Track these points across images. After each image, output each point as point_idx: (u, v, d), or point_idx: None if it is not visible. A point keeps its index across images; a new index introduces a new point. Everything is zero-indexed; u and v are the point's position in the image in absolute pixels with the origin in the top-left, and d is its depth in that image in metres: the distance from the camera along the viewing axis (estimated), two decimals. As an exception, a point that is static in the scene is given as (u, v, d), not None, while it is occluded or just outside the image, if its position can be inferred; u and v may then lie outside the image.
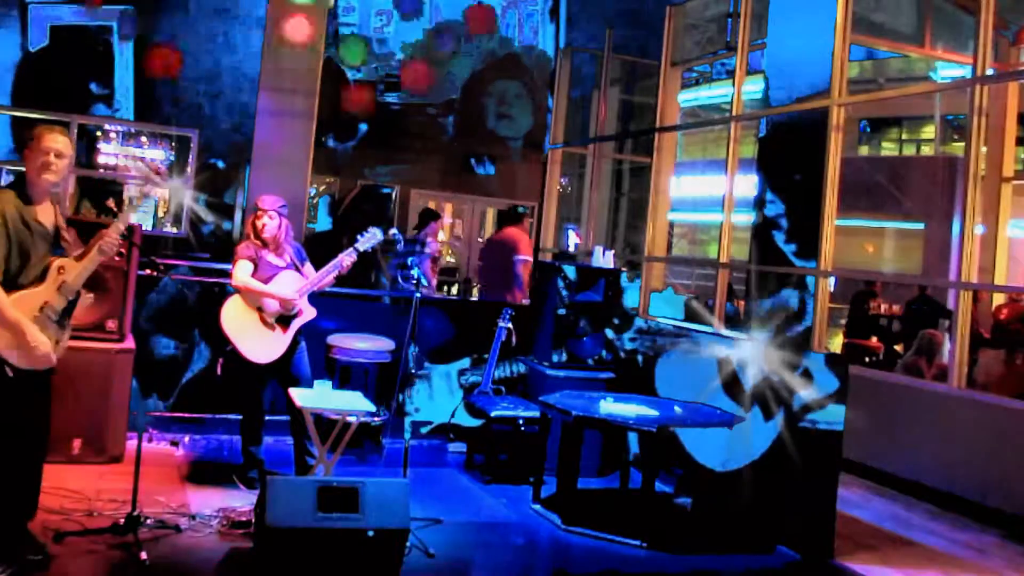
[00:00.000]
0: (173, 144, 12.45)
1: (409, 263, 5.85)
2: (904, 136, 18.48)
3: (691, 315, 9.53)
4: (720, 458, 5.76)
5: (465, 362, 7.19)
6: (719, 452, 5.76)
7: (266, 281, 5.34)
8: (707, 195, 16.30)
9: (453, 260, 15.12)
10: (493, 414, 6.15)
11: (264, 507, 4.02)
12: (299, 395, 5.03)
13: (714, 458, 5.81)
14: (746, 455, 5.56)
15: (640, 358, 6.60)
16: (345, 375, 6.32)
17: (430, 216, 9.64)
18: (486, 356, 6.81)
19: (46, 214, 3.93)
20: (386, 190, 13.91)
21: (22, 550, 3.89)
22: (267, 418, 5.51)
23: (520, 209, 10.01)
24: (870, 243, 16.17)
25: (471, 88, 13.88)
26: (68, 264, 3.89)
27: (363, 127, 13.58)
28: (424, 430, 6.99)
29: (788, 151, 8.10)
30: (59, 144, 3.88)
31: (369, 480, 4.23)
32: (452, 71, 13.78)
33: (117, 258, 5.65)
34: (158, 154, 12.49)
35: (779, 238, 8.08)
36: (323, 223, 13.52)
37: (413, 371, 5.26)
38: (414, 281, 5.42)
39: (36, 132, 3.91)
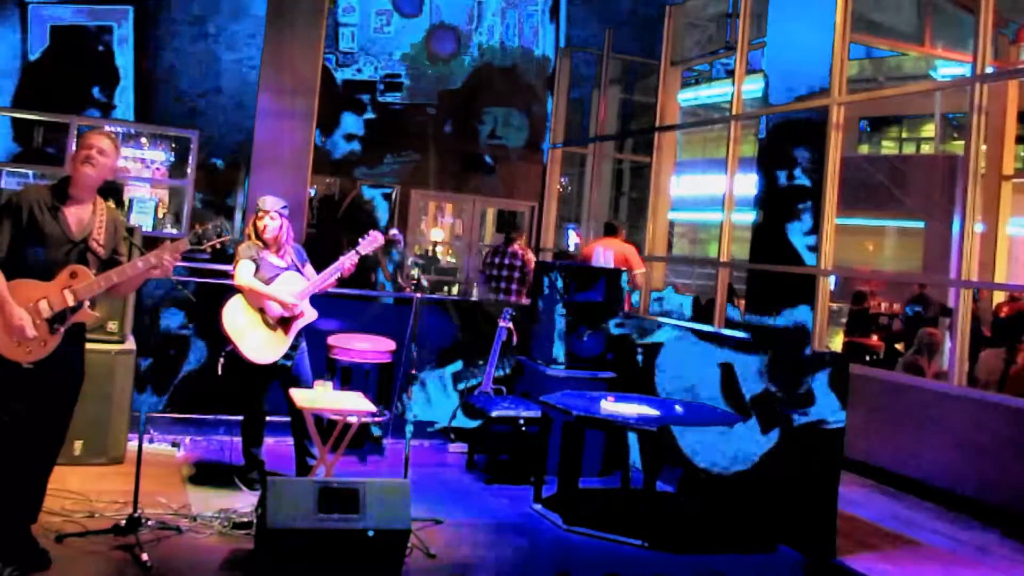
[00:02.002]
0: (173, 145, 12.45)
1: (410, 264, 5.84)
2: (904, 135, 18.49)
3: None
4: (716, 460, 5.76)
5: (458, 365, 7.20)
6: (715, 454, 5.76)
7: (267, 282, 5.34)
8: (707, 194, 16.32)
9: (453, 260, 15.12)
10: (493, 414, 6.15)
11: (265, 508, 4.02)
12: (299, 396, 5.03)
13: (710, 460, 5.81)
14: (744, 458, 5.56)
15: (640, 358, 6.60)
16: (346, 376, 6.32)
17: (512, 229, 9.28)
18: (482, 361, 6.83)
19: (78, 215, 3.93)
20: (386, 190, 13.91)
21: (23, 553, 3.89)
22: (268, 419, 5.51)
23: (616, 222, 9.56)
24: (870, 242, 16.18)
25: (471, 88, 13.88)
26: (82, 272, 3.88)
27: (363, 127, 13.58)
28: (429, 429, 7.00)
29: (788, 150, 8.10)
30: (103, 143, 3.97)
31: (369, 481, 4.24)
32: (452, 71, 13.77)
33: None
34: (158, 155, 12.49)
35: (779, 237, 8.08)
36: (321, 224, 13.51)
37: (415, 372, 5.25)
38: (414, 282, 5.42)
39: (83, 134, 4.04)
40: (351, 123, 13.51)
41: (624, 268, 8.48)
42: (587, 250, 8.87)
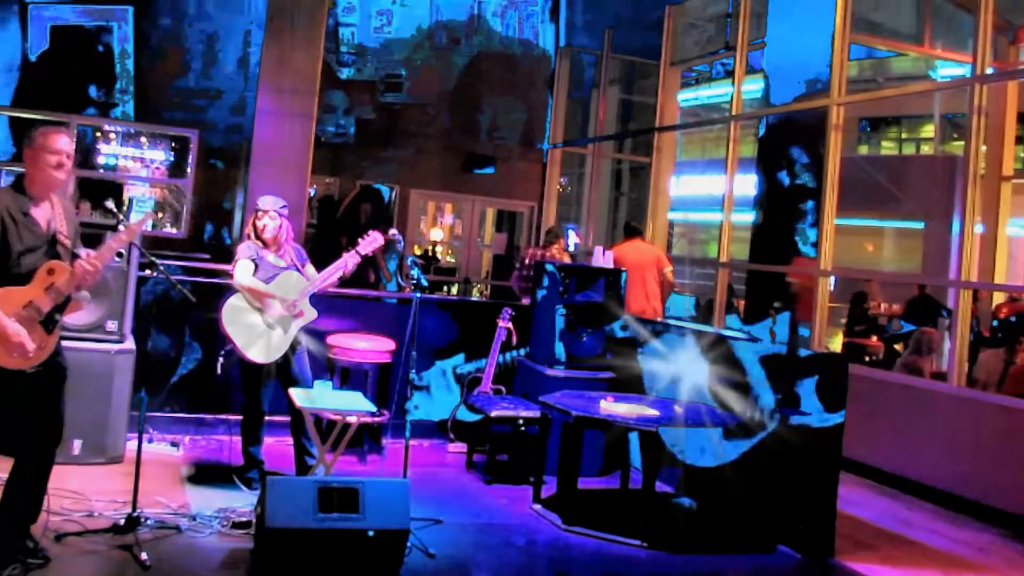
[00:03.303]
0: (172, 144, 12.44)
1: (409, 263, 5.83)
2: (904, 135, 18.49)
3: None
4: (714, 461, 5.76)
5: (459, 359, 7.20)
6: (713, 455, 5.76)
7: (267, 282, 5.34)
8: (707, 194, 16.31)
9: (453, 260, 15.11)
10: (493, 414, 6.15)
11: (264, 507, 4.02)
12: (299, 395, 5.03)
13: (707, 462, 5.81)
14: (723, 453, 5.56)
15: (640, 358, 6.60)
16: (345, 375, 6.32)
17: (552, 235, 9.28)
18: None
19: (43, 214, 3.92)
20: (385, 190, 13.91)
21: (23, 552, 3.89)
22: (267, 418, 5.51)
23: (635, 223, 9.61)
24: (870, 242, 16.17)
25: (471, 88, 13.86)
26: (59, 267, 3.86)
27: (362, 127, 13.57)
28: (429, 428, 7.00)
29: (788, 150, 8.10)
30: (68, 146, 3.94)
31: (369, 480, 4.23)
32: (452, 71, 13.76)
33: (117, 259, 5.67)
34: (157, 155, 12.48)
35: (778, 237, 8.08)
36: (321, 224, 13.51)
37: (414, 372, 5.25)
38: (414, 282, 5.42)
39: (41, 133, 3.93)
40: (350, 123, 13.51)
41: (659, 268, 8.62)
42: (617, 255, 8.59)
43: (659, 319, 7.97)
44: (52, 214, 3.95)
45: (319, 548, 4.04)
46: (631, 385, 6.47)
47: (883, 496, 6.65)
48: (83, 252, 4.01)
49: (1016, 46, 10.75)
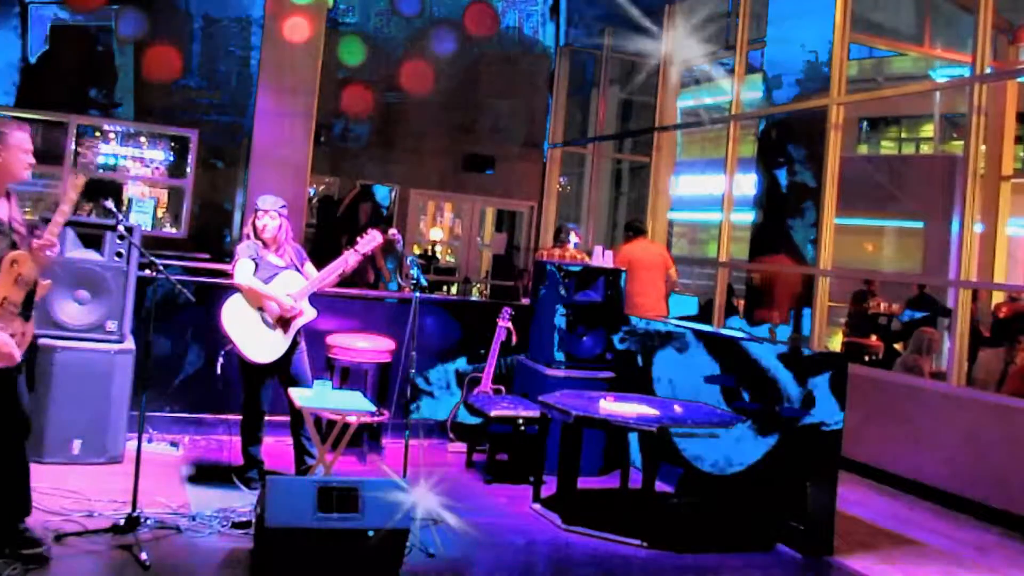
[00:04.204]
0: (172, 144, 12.45)
1: (409, 262, 5.83)
2: (904, 135, 18.50)
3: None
4: (714, 460, 5.76)
5: (462, 361, 7.20)
6: (714, 453, 5.76)
7: (267, 281, 5.34)
8: (706, 194, 16.33)
9: (452, 260, 15.12)
10: (493, 414, 6.14)
11: (264, 507, 4.02)
12: (299, 395, 5.03)
13: (707, 460, 5.81)
14: (741, 459, 5.56)
15: (640, 358, 6.60)
16: (345, 375, 6.32)
17: (566, 233, 9.27)
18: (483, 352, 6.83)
19: (2, 210, 3.92)
20: (385, 189, 13.92)
21: (20, 550, 3.89)
22: (267, 418, 5.51)
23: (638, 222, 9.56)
24: (870, 242, 16.18)
25: (470, 87, 13.87)
26: (21, 257, 3.86)
27: (362, 127, 13.58)
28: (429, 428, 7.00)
29: (787, 150, 8.10)
30: (30, 143, 3.95)
31: (369, 480, 4.23)
32: (451, 70, 13.76)
33: (117, 259, 5.67)
34: (157, 155, 12.49)
35: (778, 237, 8.07)
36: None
37: (414, 372, 5.25)
38: (413, 281, 5.42)
39: (8, 132, 3.92)
40: (349, 123, 13.51)
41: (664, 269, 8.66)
42: (621, 256, 8.50)
43: (664, 319, 7.98)
44: (9, 207, 3.96)
45: (319, 548, 4.04)
46: (632, 385, 6.47)
47: (883, 496, 6.65)
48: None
49: (1016, 46, 10.75)
